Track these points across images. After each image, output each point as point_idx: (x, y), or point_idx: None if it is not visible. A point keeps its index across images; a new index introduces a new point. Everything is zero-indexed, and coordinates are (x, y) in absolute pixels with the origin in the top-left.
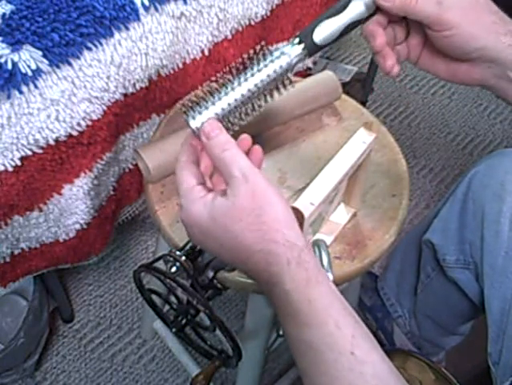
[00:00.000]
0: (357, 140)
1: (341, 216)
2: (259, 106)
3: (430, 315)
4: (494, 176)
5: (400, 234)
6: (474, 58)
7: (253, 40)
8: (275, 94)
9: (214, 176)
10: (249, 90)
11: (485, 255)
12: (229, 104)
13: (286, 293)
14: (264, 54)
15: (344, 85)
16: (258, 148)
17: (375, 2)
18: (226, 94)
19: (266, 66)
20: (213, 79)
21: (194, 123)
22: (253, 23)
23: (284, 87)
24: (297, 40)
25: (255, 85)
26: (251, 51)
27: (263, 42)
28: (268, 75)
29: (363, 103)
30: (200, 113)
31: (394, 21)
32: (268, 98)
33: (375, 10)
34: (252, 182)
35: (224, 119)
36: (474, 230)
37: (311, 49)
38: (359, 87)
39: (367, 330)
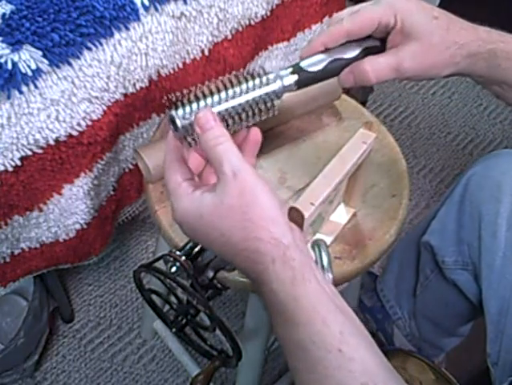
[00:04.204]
0: (357, 140)
1: (341, 216)
2: (241, 120)
3: (429, 316)
4: (491, 177)
5: (400, 234)
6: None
7: (253, 40)
8: (256, 116)
9: (205, 169)
10: (239, 103)
11: (483, 256)
12: (218, 113)
13: (273, 292)
14: (259, 74)
15: None
16: (255, 131)
17: (340, 84)
18: (216, 101)
19: (260, 84)
20: (204, 83)
21: (180, 122)
22: (253, 23)
23: (267, 110)
24: (290, 70)
25: (246, 99)
26: (247, 69)
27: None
28: (260, 94)
29: (363, 103)
30: (189, 113)
31: None
32: (251, 116)
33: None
34: (241, 180)
35: None
36: (472, 231)
37: (302, 80)
38: (359, 87)
39: (359, 326)
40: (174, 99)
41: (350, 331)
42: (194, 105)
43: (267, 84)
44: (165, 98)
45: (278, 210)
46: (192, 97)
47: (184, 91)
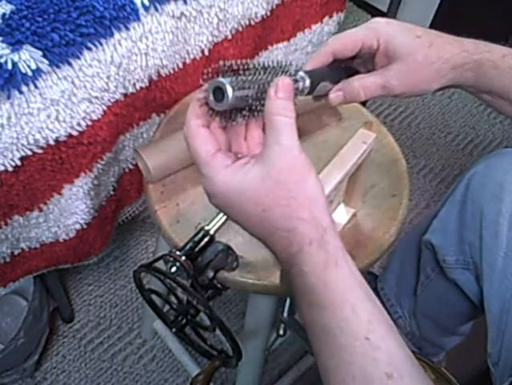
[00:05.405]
0: (357, 140)
1: (341, 216)
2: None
3: (430, 316)
4: (493, 176)
5: (400, 234)
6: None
7: (253, 40)
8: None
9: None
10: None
11: (485, 255)
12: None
13: (304, 275)
14: (289, 68)
15: None
16: None
17: (330, 102)
18: (266, 80)
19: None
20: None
21: (231, 90)
22: (253, 23)
23: None
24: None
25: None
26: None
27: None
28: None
29: (363, 103)
30: (239, 85)
31: None
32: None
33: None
34: (295, 155)
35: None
36: (473, 231)
37: (314, 83)
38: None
39: (387, 317)
40: (224, 67)
41: (379, 321)
42: (247, 77)
43: (296, 80)
44: (213, 66)
45: (321, 193)
46: (242, 69)
47: (230, 63)
